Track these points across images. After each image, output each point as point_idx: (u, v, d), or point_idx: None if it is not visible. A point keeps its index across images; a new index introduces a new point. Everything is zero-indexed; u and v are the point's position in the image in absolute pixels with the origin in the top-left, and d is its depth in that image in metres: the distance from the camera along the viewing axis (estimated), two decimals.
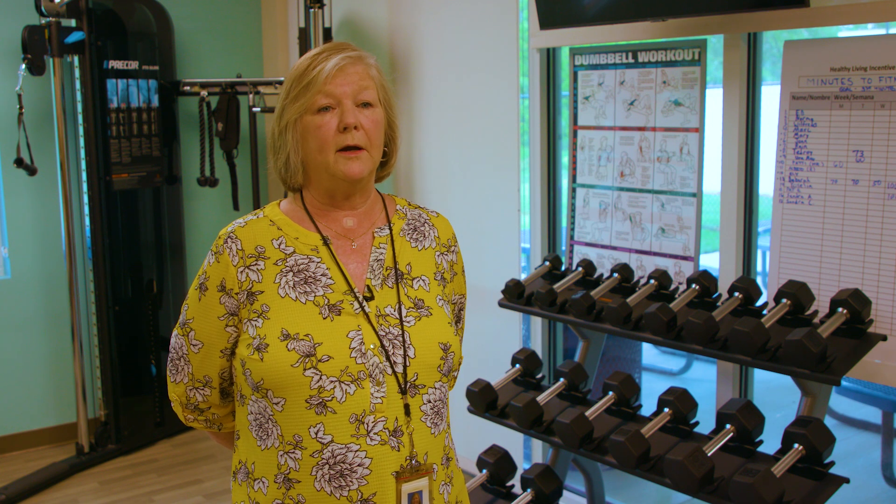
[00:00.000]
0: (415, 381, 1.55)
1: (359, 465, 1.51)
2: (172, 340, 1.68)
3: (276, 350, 1.51)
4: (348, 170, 1.56)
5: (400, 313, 1.58)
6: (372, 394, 1.52)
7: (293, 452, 1.52)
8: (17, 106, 4.02)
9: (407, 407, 1.54)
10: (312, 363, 1.50)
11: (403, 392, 1.54)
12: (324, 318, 1.54)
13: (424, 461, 1.56)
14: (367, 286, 1.59)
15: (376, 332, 1.55)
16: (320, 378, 1.50)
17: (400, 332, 1.56)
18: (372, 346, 1.54)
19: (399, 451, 1.53)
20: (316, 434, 1.51)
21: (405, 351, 1.55)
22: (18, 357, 4.40)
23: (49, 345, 4.46)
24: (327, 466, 1.51)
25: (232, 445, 1.72)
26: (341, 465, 1.50)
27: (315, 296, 1.56)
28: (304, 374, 1.50)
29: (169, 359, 1.70)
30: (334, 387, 1.51)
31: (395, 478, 1.52)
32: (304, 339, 1.52)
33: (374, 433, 1.51)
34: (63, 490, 4.01)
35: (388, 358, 1.54)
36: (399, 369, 1.55)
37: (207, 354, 1.63)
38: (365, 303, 1.57)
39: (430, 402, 1.57)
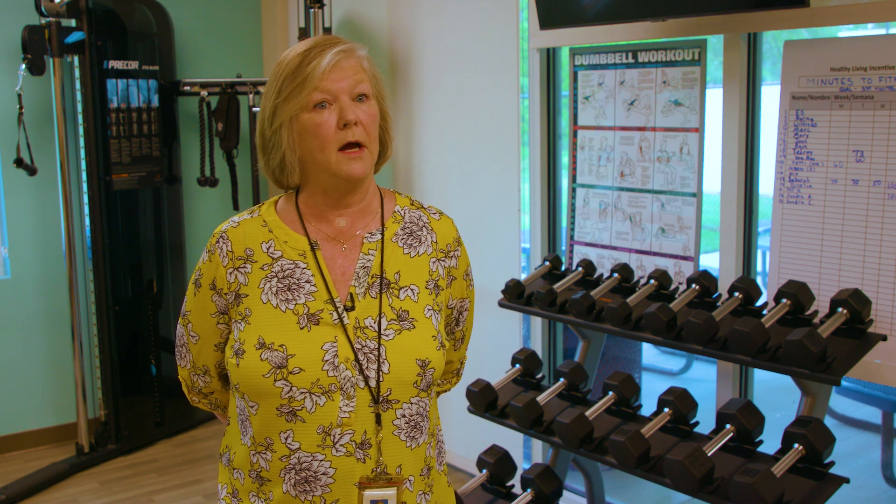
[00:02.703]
0: (388, 396, 1.53)
1: (323, 474, 1.51)
2: (178, 327, 1.71)
3: (250, 358, 1.52)
4: (351, 170, 1.53)
5: (379, 326, 1.55)
6: (340, 407, 1.51)
7: (264, 454, 1.54)
8: (17, 106, 4.02)
9: (378, 418, 1.53)
10: (283, 374, 1.50)
11: (376, 404, 1.53)
12: (301, 328, 1.53)
13: (397, 474, 1.55)
14: (350, 294, 1.57)
15: (352, 345, 1.53)
16: (290, 389, 1.50)
17: (376, 346, 1.54)
18: (346, 360, 1.52)
19: (365, 462, 1.52)
20: (286, 440, 1.52)
21: (379, 365, 1.53)
22: (18, 357, 4.40)
23: (49, 345, 4.46)
24: (294, 472, 1.52)
25: None
26: (307, 472, 1.51)
27: (296, 304, 1.55)
28: (275, 384, 1.50)
29: (176, 343, 1.73)
30: (304, 398, 1.50)
31: (357, 487, 1.52)
32: (278, 349, 1.51)
33: (340, 445, 1.51)
34: (63, 490, 4.01)
35: (361, 372, 1.53)
36: (372, 384, 1.53)
37: (204, 346, 1.66)
38: (345, 314, 1.55)
39: (404, 416, 1.55)
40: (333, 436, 1.51)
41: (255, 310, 1.55)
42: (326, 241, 1.60)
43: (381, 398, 1.53)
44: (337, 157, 1.53)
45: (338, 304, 1.55)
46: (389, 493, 1.54)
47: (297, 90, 1.52)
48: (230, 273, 1.58)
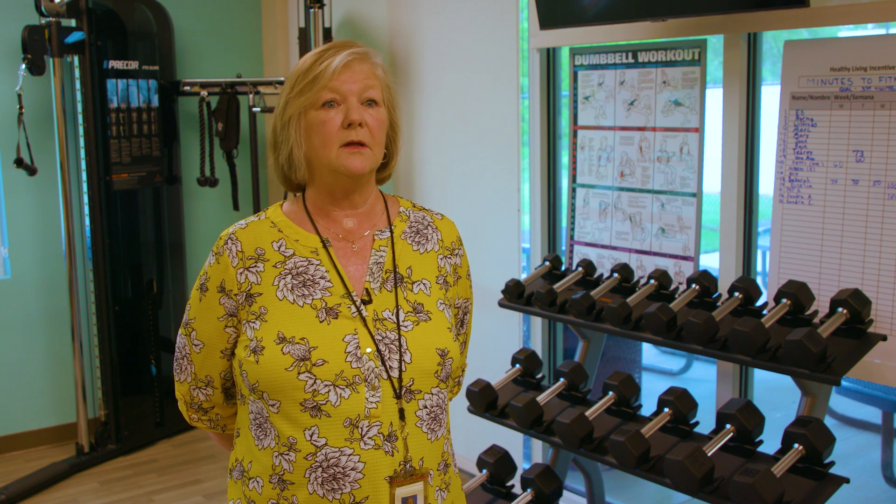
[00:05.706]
0: (411, 386, 1.55)
1: (352, 470, 1.50)
2: (177, 340, 1.70)
3: (271, 353, 1.51)
4: (350, 164, 1.56)
5: (398, 317, 1.58)
6: (367, 398, 1.51)
7: (287, 454, 1.52)
8: (17, 106, 4.02)
9: (402, 412, 1.54)
10: (307, 367, 1.50)
11: (398, 397, 1.54)
12: (320, 322, 1.54)
13: (420, 466, 1.55)
14: (366, 289, 1.59)
15: (373, 337, 1.55)
16: (314, 382, 1.50)
17: (397, 337, 1.56)
18: (368, 351, 1.53)
19: (393, 455, 1.52)
20: (310, 437, 1.51)
21: (401, 356, 1.55)
22: (18, 357, 4.40)
23: (49, 345, 4.47)
24: (320, 469, 1.51)
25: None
26: (334, 468, 1.50)
27: (313, 298, 1.56)
28: (299, 377, 1.50)
29: (174, 358, 1.71)
30: (329, 391, 1.50)
31: (388, 482, 1.51)
32: (300, 342, 1.51)
33: (368, 437, 1.51)
34: (63, 490, 4.01)
35: (383, 362, 1.54)
36: (395, 374, 1.54)
37: (208, 355, 1.64)
38: (362, 306, 1.57)
39: (426, 407, 1.57)
40: (361, 428, 1.51)
41: (271, 307, 1.55)
42: (336, 240, 1.62)
43: (404, 388, 1.54)
44: (338, 153, 1.56)
45: (355, 298, 1.57)
46: (417, 487, 1.54)
47: (307, 87, 1.57)
48: (240, 273, 1.58)
